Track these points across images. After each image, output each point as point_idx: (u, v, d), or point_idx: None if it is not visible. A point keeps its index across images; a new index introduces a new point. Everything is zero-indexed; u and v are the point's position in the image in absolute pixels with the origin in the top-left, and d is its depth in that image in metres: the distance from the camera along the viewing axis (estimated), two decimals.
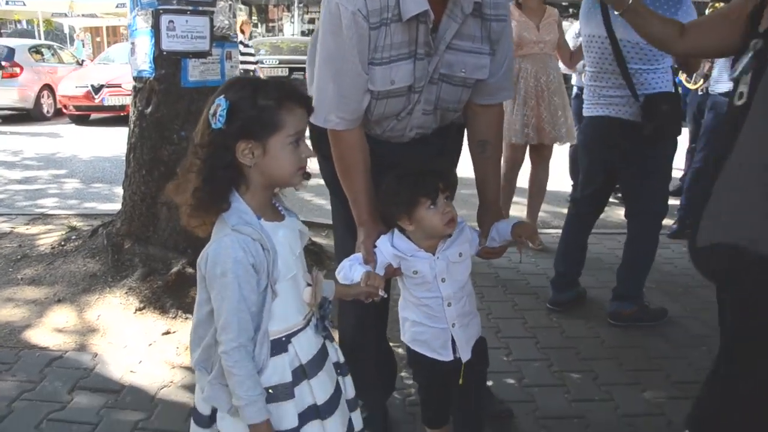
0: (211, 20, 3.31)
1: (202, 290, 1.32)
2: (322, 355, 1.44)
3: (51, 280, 3.33)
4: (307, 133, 1.44)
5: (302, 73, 11.27)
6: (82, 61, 14.98)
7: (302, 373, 1.38)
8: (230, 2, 3.45)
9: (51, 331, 2.88)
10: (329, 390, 1.42)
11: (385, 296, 1.69)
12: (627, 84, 2.90)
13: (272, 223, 1.35)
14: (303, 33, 21.83)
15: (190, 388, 2.46)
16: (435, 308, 1.77)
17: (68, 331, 2.87)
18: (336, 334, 1.73)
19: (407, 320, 1.85)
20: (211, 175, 1.29)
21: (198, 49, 3.29)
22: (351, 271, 1.71)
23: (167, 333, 2.88)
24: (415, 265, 1.74)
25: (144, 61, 3.33)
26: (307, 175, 1.40)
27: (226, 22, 3.43)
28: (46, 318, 2.98)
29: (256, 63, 9.36)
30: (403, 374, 2.52)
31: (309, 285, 1.42)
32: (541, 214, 4.58)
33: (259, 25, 23.19)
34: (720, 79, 4.35)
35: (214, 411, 1.39)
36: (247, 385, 1.28)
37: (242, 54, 8.16)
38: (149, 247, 3.43)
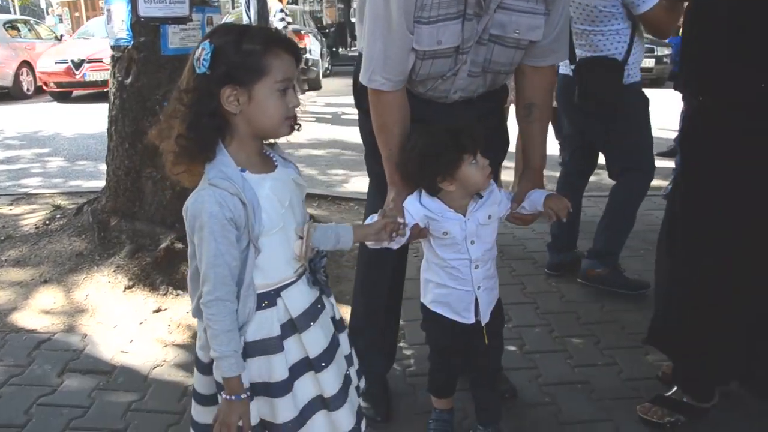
0: None
1: (191, 242, 1.30)
2: (315, 308, 1.40)
3: (36, 260, 3.24)
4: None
5: None
6: (61, 36, 14.63)
7: (292, 327, 1.35)
8: None
9: (38, 312, 2.79)
10: (323, 344, 1.40)
11: (408, 233, 1.67)
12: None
13: (258, 176, 1.31)
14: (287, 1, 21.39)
15: (183, 366, 2.40)
16: (462, 270, 1.77)
17: (56, 313, 2.79)
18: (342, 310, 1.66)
19: (430, 282, 1.83)
20: (196, 121, 1.25)
21: (177, 15, 3.15)
22: (367, 221, 1.69)
23: (158, 311, 2.80)
24: (445, 226, 1.72)
25: (121, 29, 3.20)
26: (297, 126, 1.36)
27: None
28: (33, 300, 2.90)
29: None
30: (402, 344, 2.46)
31: (300, 238, 1.37)
32: None
33: None
34: None
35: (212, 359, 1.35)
36: (221, 339, 1.26)
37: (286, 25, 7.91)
38: (136, 223, 3.33)
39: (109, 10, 3.28)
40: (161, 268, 3.08)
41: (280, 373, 1.34)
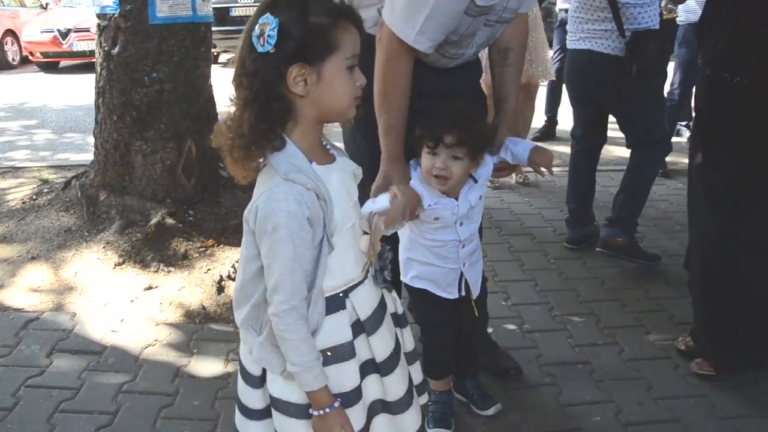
0: None
1: (251, 245, 1.17)
2: (381, 308, 1.30)
3: (23, 236, 3.15)
4: None
5: None
6: (47, 4, 14.28)
7: (360, 328, 1.25)
8: None
9: (25, 291, 2.72)
10: (390, 346, 1.30)
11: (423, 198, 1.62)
12: (615, 18, 2.77)
13: (324, 167, 1.18)
14: None
15: (175, 346, 2.34)
16: (449, 250, 1.74)
17: (44, 291, 2.72)
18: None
19: (413, 261, 1.79)
20: (266, 107, 1.11)
21: None
22: (375, 204, 1.49)
23: (149, 288, 2.74)
24: (436, 212, 1.68)
25: None
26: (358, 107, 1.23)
27: None
28: (20, 277, 2.82)
29: None
30: None
31: (366, 233, 1.26)
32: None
33: None
34: (689, 8, 4.12)
35: (264, 371, 1.25)
36: (301, 349, 1.15)
37: None
38: (126, 198, 3.25)
39: None
40: (152, 245, 3.01)
41: (353, 381, 1.24)
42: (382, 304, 1.30)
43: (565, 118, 5.58)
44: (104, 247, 2.98)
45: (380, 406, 1.30)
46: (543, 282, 2.85)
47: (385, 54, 1.65)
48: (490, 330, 2.31)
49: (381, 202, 1.43)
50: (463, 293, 1.82)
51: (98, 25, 3.19)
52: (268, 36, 1.08)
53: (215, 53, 10.95)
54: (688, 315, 2.48)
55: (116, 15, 3.06)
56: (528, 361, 2.25)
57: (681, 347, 2.30)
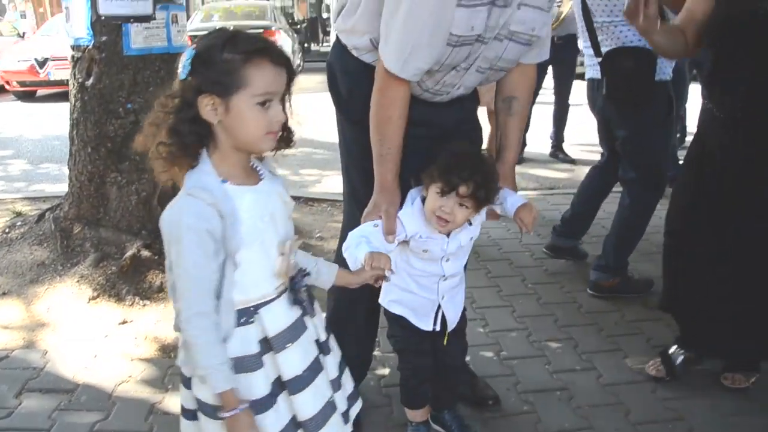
0: None
1: (168, 253, 1.25)
2: (295, 329, 1.34)
3: None
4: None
5: None
6: (23, 33, 14.24)
7: (267, 345, 1.30)
8: None
9: None
10: (300, 366, 1.34)
11: (394, 273, 1.58)
12: (590, 39, 2.78)
13: (240, 187, 1.26)
14: None
15: (150, 382, 2.30)
16: (431, 281, 1.75)
17: (14, 328, 2.66)
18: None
19: (394, 285, 1.78)
20: (176, 128, 1.21)
21: (140, 13, 3.04)
22: (357, 249, 1.57)
23: (124, 322, 2.70)
24: (426, 245, 1.69)
25: (81, 28, 3.07)
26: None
27: None
28: None
29: None
30: (375, 353, 2.39)
31: (282, 254, 1.31)
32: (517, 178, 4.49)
33: None
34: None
35: None
36: (207, 352, 1.21)
37: None
38: (101, 230, 3.21)
39: (67, 8, 3.15)
40: (127, 277, 2.97)
41: (261, 390, 1.29)
42: (296, 325, 1.34)
43: (534, 141, 5.69)
44: (78, 281, 2.94)
45: (293, 427, 1.34)
46: (521, 308, 2.85)
47: (378, 84, 1.67)
48: (468, 358, 2.31)
49: (359, 258, 1.51)
50: (438, 328, 1.82)
51: (72, 57, 3.18)
52: (184, 65, 1.20)
53: None
54: (665, 337, 2.50)
55: (90, 46, 3.05)
56: (506, 389, 2.24)
57: (651, 372, 2.31)
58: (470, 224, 1.72)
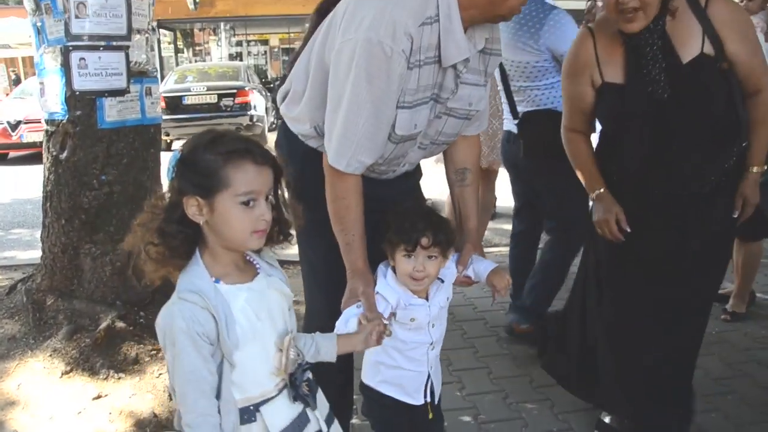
0: (127, 55, 3.12)
1: (165, 355, 1.26)
2: (298, 424, 1.33)
3: None
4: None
5: (231, 99, 11.07)
6: None
7: None
8: (147, 35, 3.27)
9: None
10: None
11: (389, 322, 1.61)
12: (508, 101, 2.98)
13: (234, 286, 1.27)
14: (231, 56, 21.50)
15: None
16: (420, 352, 1.75)
17: None
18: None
19: (381, 364, 1.78)
20: (164, 229, 1.24)
21: (114, 87, 3.09)
22: (347, 325, 1.60)
23: (98, 397, 2.66)
24: (412, 313, 1.70)
25: (55, 103, 3.11)
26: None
27: (144, 56, 3.25)
28: None
29: None
30: (354, 420, 2.39)
31: (280, 350, 1.31)
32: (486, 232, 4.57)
33: (185, 49, 22.71)
34: None
35: None
36: None
37: None
38: (74, 302, 3.18)
39: (42, 83, 3.19)
40: (101, 350, 2.94)
41: None
42: (299, 421, 1.34)
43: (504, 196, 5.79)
44: (51, 355, 2.90)
45: None
46: (497, 368, 2.88)
47: (328, 177, 1.70)
48: (445, 424, 2.31)
49: (351, 324, 1.54)
50: (428, 399, 1.82)
51: (46, 131, 3.22)
52: (169, 167, 1.24)
53: (168, 141, 11.03)
54: None
55: (64, 121, 3.09)
56: None
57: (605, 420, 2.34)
58: (442, 281, 1.75)
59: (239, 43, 22.56)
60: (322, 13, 3.49)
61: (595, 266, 2.24)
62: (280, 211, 1.34)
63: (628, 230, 2.03)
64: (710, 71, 1.89)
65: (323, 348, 1.47)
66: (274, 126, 13.93)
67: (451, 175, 1.96)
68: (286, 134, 1.89)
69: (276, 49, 23.61)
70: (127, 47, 3.11)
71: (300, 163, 1.77)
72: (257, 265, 1.33)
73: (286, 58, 22.82)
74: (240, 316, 1.23)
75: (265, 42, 23.44)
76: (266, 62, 23.35)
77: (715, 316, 3.38)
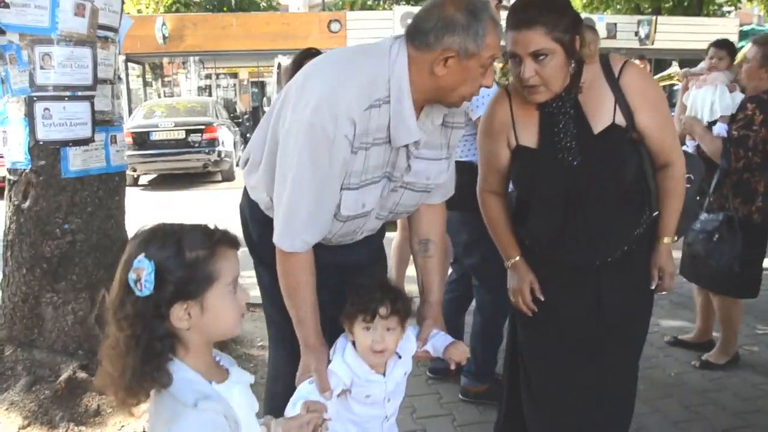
0: (92, 105, 3.13)
1: None
2: None
3: None
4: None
5: (199, 134, 11.06)
6: None
7: None
8: (112, 84, 3.29)
9: None
10: None
11: (330, 419, 1.61)
12: None
13: (224, 384, 1.21)
14: (200, 89, 21.50)
15: None
16: (374, 424, 1.77)
17: None
18: None
19: None
20: (149, 351, 1.11)
21: (79, 137, 3.09)
22: (294, 408, 1.62)
23: None
24: (368, 390, 1.71)
25: (18, 152, 3.10)
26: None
27: (109, 105, 3.26)
28: None
29: None
30: None
31: None
32: None
33: (153, 82, 22.65)
34: None
35: None
36: None
37: None
38: (34, 352, 3.13)
39: (4, 132, 3.18)
40: (61, 402, 2.89)
41: None
42: None
43: None
44: (8, 409, 2.84)
45: None
46: (461, 416, 2.90)
47: (278, 254, 1.70)
48: None
49: (298, 408, 1.58)
50: None
51: (8, 180, 3.19)
52: (145, 281, 1.09)
53: (135, 176, 10.95)
54: None
55: (27, 170, 3.08)
56: None
57: None
58: (399, 357, 1.77)
59: (208, 76, 22.57)
60: (297, 64, 3.57)
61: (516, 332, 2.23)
62: None
63: (542, 299, 2.05)
64: (621, 141, 1.90)
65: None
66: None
67: (415, 245, 1.96)
68: (248, 200, 1.89)
69: (245, 82, 23.66)
70: (93, 97, 3.12)
71: (260, 228, 1.78)
72: (220, 360, 1.29)
73: (256, 90, 22.91)
74: (241, 414, 1.19)
75: (235, 75, 23.49)
76: (235, 95, 23.37)
77: (675, 357, 3.48)
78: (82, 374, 3.01)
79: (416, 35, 1.57)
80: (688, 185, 2.17)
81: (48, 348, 3.14)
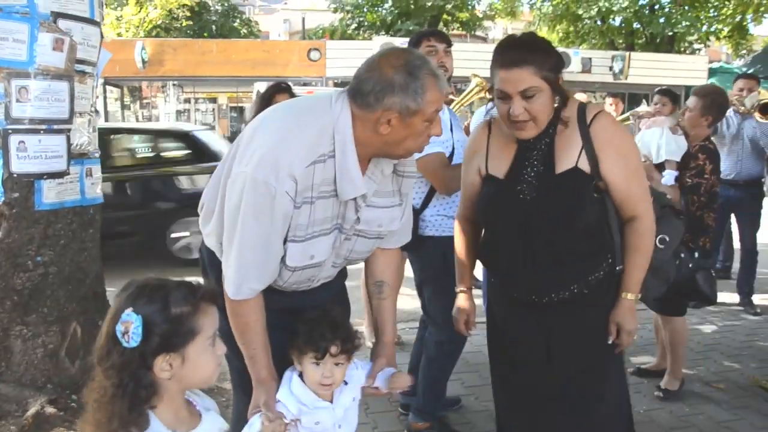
0: (68, 138, 3.14)
1: None
2: None
3: None
4: None
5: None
6: None
7: None
8: (89, 117, 3.31)
9: None
10: None
11: (298, 419, 1.67)
12: None
13: None
14: (178, 112, 21.46)
15: None
16: None
17: None
18: None
19: None
20: (135, 398, 1.20)
21: (54, 170, 3.10)
22: (251, 428, 1.65)
23: None
24: (317, 417, 1.74)
25: None
26: None
27: (86, 138, 3.27)
28: None
29: None
30: None
31: None
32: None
33: (132, 105, 22.57)
34: None
35: None
36: None
37: None
38: (1, 386, 3.09)
39: None
40: None
41: None
42: None
43: None
44: None
45: None
46: None
47: (227, 298, 1.70)
48: None
49: (255, 427, 1.60)
50: None
51: None
52: (133, 333, 1.18)
53: None
54: None
55: (0, 202, 3.06)
56: None
57: None
58: (346, 383, 1.80)
59: (187, 100, 22.55)
60: (266, 99, 3.59)
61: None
62: None
63: (469, 335, 2.27)
64: (581, 186, 1.92)
65: None
66: None
67: (370, 286, 1.99)
68: (206, 246, 1.91)
69: (224, 107, 23.68)
70: (69, 130, 3.13)
71: (217, 273, 1.78)
72: (195, 403, 1.34)
73: (235, 115, 22.93)
74: None
75: (214, 100, 23.50)
76: (214, 119, 23.35)
77: (644, 392, 3.53)
78: (50, 409, 2.97)
79: (357, 95, 1.60)
80: (662, 246, 2.23)
81: (15, 382, 3.10)
